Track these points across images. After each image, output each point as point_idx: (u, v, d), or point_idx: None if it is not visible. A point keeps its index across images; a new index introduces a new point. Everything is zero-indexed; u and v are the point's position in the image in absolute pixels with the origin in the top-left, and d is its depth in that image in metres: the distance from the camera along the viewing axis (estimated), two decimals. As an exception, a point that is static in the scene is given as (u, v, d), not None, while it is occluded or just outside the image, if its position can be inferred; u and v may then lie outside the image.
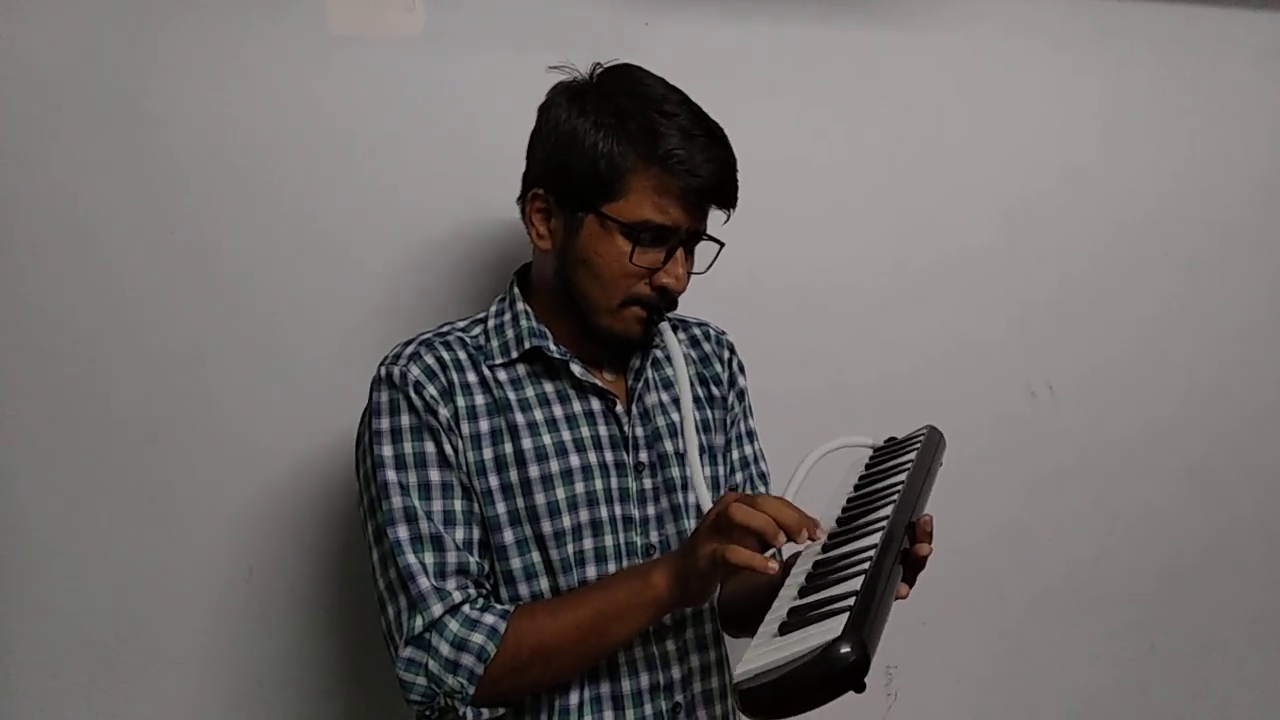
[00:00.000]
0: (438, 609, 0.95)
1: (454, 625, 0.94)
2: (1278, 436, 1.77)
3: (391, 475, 0.98)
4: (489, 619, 0.95)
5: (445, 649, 0.94)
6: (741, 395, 1.22)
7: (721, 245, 1.08)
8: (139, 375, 1.27)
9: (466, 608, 0.96)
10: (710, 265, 1.09)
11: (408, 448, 0.99)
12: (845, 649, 0.68)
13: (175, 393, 1.28)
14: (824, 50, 1.53)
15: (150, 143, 1.26)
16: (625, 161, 0.99)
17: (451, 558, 0.97)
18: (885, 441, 1.16)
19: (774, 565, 0.84)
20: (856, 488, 1.06)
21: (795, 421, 1.27)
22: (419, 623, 0.94)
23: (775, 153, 1.49)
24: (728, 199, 1.04)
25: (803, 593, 0.83)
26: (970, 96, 1.60)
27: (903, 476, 0.99)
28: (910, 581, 0.93)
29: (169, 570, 1.28)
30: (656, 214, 1.00)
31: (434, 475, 0.99)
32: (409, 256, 1.35)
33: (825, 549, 0.90)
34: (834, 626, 0.71)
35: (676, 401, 1.11)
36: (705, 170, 0.99)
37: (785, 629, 0.77)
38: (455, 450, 1.00)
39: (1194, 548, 1.73)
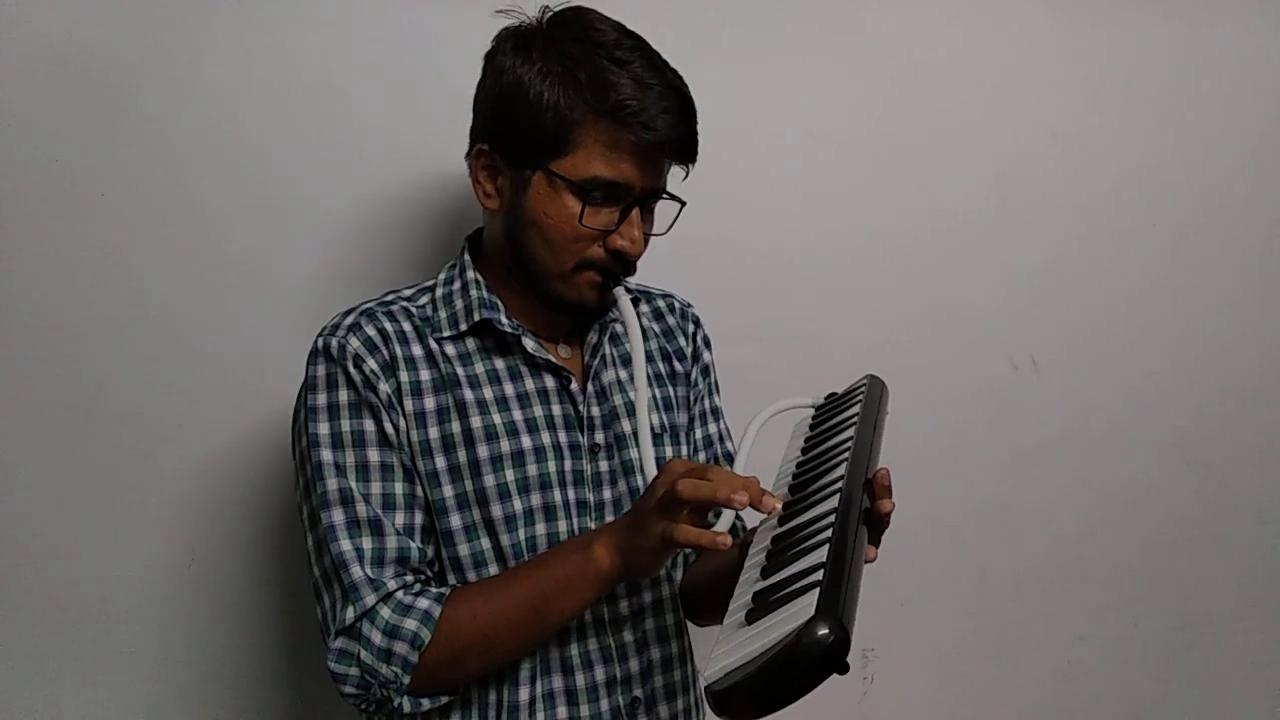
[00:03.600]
0: (371, 598, 0.89)
1: (386, 612, 0.89)
2: (1264, 411, 1.76)
3: (327, 455, 0.92)
4: (423, 603, 0.90)
5: (377, 637, 0.88)
6: (706, 371, 1.17)
7: (682, 204, 1.02)
8: (68, 347, 1.19)
9: (401, 594, 0.90)
10: (671, 226, 1.03)
11: (345, 425, 0.93)
12: (823, 630, 0.62)
13: (107, 364, 1.20)
14: (807, 8, 1.48)
15: (88, 93, 1.18)
16: (573, 114, 0.92)
17: (391, 543, 0.92)
18: (826, 399, 1.10)
19: (726, 540, 0.79)
20: (804, 450, 1.00)
21: (773, 393, 1.21)
22: (351, 613, 0.89)
23: (756, 116, 1.46)
24: (686, 154, 0.97)
25: (765, 573, 0.77)
26: (958, 61, 1.56)
27: (851, 432, 0.94)
28: (875, 542, 0.88)
29: (106, 557, 1.22)
30: (608, 170, 0.93)
31: (373, 456, 0.93)
32: (359, 219, 1.28)
33: (782, 521, 0.85)
34: (806, 606, 0.65)
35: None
36: (661, 123, 0.92)
37: (753, 616, 0.70)
38: (397, 429, 0.94)
39: (1178, 524, 1.72)
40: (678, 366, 1.12)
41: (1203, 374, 1.71)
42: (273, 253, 1.25)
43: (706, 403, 1.15)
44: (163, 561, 1.23)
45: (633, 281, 1.12)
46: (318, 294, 1.25)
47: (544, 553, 0.94)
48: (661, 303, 1.16)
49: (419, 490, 0.94)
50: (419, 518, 0.94)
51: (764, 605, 0.71)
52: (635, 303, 1.10)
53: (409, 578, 0.92)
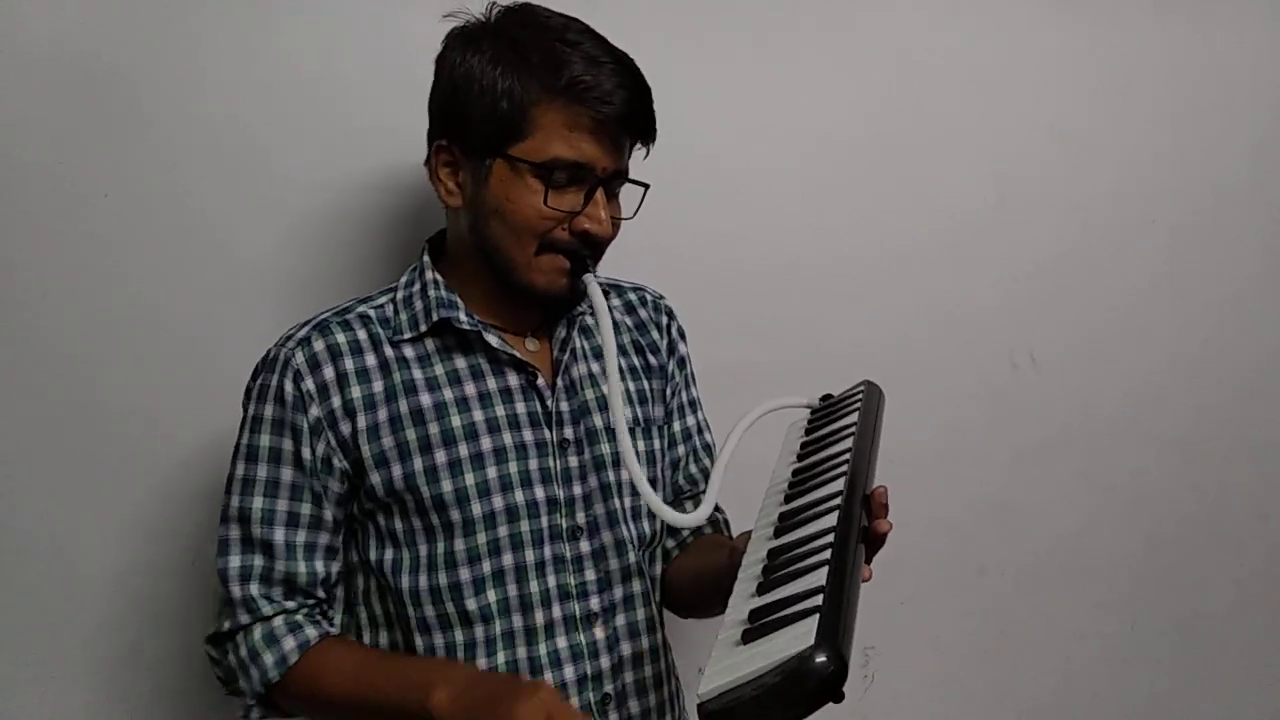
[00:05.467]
0: (244, 618, 0.94)
1: (256, 635, 0.93)
2: (1262, 408, 1.75)
3: (240, 469, 0.95)
4: (289, 644, 0.93)
5: (243, 651, 0.93)
6: (683, 363, 1.15)
7: (646, 187, 1.00)
8: (71, 346, 1.18)
9: (278, 620, 0.94)
10: (637, 210, 1.01)
11: (264, 440, 0.94)
12: (821, 659, 0.61)
13: (110, 364, 1.19)
14: (805, 8, 1.46)
15: (91, 95, 1.17)
16: (529, 95, 0.91)
17: (279, 565, 0.94)
18: (821, 400, 1.09)
19: None
20: (800, 457, 0.98)
21: (770, 393, 1.20)
22: (226, 624, 0.95)
23: (753, 115, 1.44)
24: (644, 130, 0.96)
25: (762, 589, 0.76)
26: (956, 59, 1.54)
27: (848, 443, 0.92)
28: (870, 560, 0.85)
29: (108, 556, 1.21)
30: (568, 149, 0.92)
31: (286, 474, 0.94)
32: (362, 218, 1.27)
33: (777, 533, 0.83)
34: (805, 632, 0.65)
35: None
36: (617, 97, 0.91)
37: (749, 636, 0.69)
38: (314, 454, 0.94)
39: (1178, 521, 1.71)
40: (652, 359, 1.10)
41: (1201, 371, 1.70)
42: (276, 253, 1.23)
43: (684, 395, 1.14)
44: (165, 561, 1.22)
45: (603, 275, 1.08)
46: (321, 294, 1.23)
47: (402, 663, 0.94)
48: (633, 296, 1.13)
49: (327, 515, 0.95)
50: (322, 538, 0.95)
51: (761, 626, 0.70)
52: (605, 295, 1.07)
53: (291, 603, 0.94)
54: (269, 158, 1.23)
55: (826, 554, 0.74)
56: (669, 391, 1.12)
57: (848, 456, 0.89)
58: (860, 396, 1.02)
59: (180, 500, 1.22)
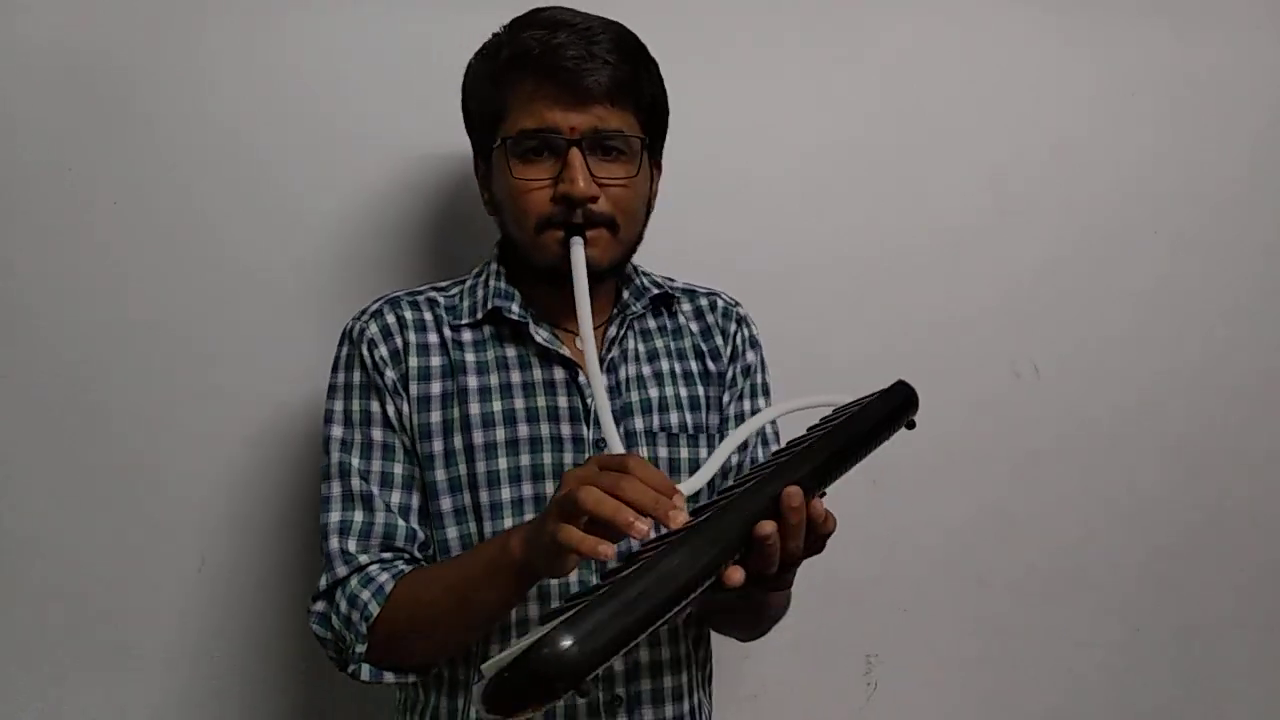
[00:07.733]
0: (341, 570, 0.95)
1: (354, 582, 0.94)
2: (1264, 417, 1.73)
3: (336, 431, 0.99)
4: (383, 578, 0.93)
5: (344, 605, 0.93)
6: (748, 371, 1.12)
7: (643, 141, 0.99)
8: (78, 352, 1.21)
9: (373, 567, 0.94)
10: (639, 170, 0.98)
11: (355, 405, 0.99)
12: (548, 650, 0.59)
13: (117, 370, 1.22)
14: (803, 16, 1.48)
15: (100, 102, 1.20)
16: (499, 88, 0.97)
17: (380, 519, 0.96)
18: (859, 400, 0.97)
19: (607, 550, 0.72)
20: (776, 453, 0.87)
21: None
22: (324, 581, 0.96)
23: (752, 123, 1.46)
24: (614, 89, 0.94)
25: (604, 577, 0.70)
26: (955, 67, 1.55)
27: (802, 445, 0.83)
28: (763, 567, 0.75)
29: (115, 561, 1.22)
30: (530, 119, 0.95)
31: (377, 435, 0.98)
32: (370, 225, 1.29)
33: (668, 531, 0.75)
34: (565, 620, 0.62)
35: (659, 376, 1.05)
36: (571, 62, 0.92)
37: (545, 619, 0.65)
38: (400, 413, 0.99)
39: (1179, 530, 1.69)
40: (711, 366, 1.09)
41: (1203, 379, 1.67)
42: (284, 260, 1.26)
43: (747, 404, 1.11)
44: (172, 566, 1.24)
45: (680, 280, 1.14)
46: (328, 300, 1.26)
47: (480, 546, 0.94)
48: (704, 301, 1.13)
49: (419, 474, 0.99)
50: (415, 500, 0.98)
51: (555, 609, 0.66)
52: (675, 300, 1.10)
53: (388, 555, 0.95)
54: (272, 160, 1.25)
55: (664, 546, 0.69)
56: (727, 399, 1.10)
57: (782, 456, 0.81)
58: (877, 394, 0.94)
59: (182, 503, 1.24)
